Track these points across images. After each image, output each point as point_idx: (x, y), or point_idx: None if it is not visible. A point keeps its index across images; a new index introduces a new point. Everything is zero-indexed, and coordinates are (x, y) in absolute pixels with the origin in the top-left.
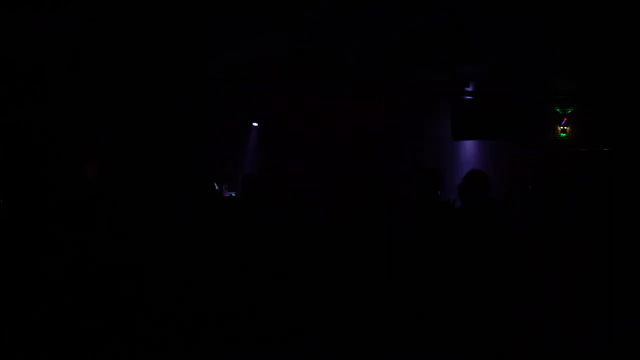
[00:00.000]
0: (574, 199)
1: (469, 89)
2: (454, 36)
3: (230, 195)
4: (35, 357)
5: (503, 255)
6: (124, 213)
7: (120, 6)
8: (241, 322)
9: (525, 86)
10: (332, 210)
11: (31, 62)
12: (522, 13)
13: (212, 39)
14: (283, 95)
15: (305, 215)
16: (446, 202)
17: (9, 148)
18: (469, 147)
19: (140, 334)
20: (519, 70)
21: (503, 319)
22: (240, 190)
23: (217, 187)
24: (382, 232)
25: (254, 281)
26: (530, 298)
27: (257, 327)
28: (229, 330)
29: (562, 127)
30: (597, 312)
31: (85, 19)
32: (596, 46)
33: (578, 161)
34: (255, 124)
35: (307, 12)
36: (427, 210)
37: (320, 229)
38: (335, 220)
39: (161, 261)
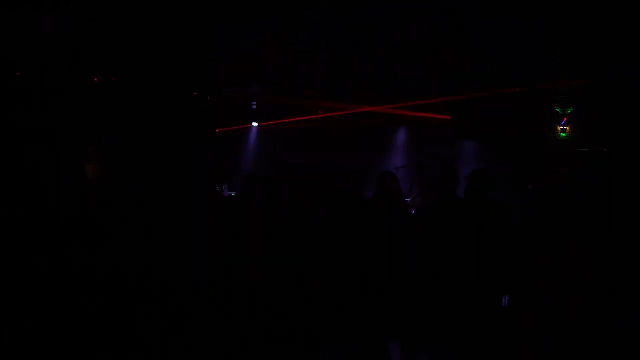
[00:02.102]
0: (574, 199)
1: (469, 89)
2: (454, 36)
3: (231, 195)
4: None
5: (503, 253)
6: (124, 212)
7: (120, 6)
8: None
9: (526, 86)
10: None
11: (31, 62)
12: (522, 13)
13: (212, 39)
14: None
15: (305, 215)
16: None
17: (9, 148)
18: (468, 146)
19: (142, 339)
20: (519, 70)
21: (503, 317)
22: (241, 190)
23: (217, 188)
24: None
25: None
26: (531, 297)
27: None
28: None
29: (562, 127)
30: (597, 312)
31: (85, 19)
32: (596, 46)
33: (578, 161)
34: (255, 124)
35: (307, 12)
36: (428, 207)
37: (320, 228)
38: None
39: (166, 261)
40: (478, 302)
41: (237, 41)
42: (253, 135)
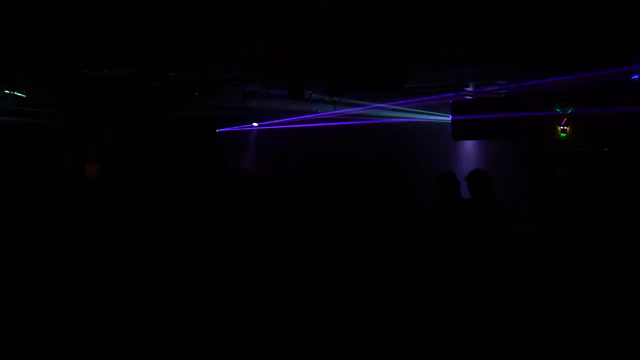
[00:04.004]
0: (574, 199)
1: (469, 89)
2: (454, 36)
3: None
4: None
5: (504, 253)
6: (124, 212)
7: (120, 6)
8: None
9: (525, 86)
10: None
11: (31, 62)
12: (522, 13)
13: (213, 39)
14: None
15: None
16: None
17: (9, 148)
18: (469, 147)
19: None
20: (519, 70)
21: (503, 317)
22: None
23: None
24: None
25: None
26: (531, 297)
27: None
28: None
29: (562, 127)
30: (597, 312)
31: (85, 19)
32: (596, 45)
33: (578, 161)
34: (255, 124)
35: (306, 13)
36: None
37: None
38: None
39: (165, 259)
40: (480, 302)
41: (237, 41)
42: (253, 135)
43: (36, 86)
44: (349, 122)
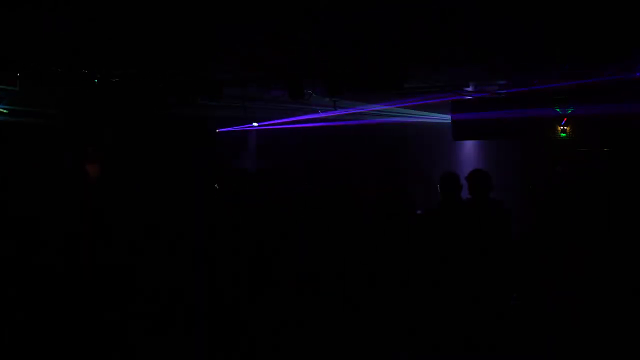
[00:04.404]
0: (574, 199)
1: (469, 89)
2: (454, 36)
3: None
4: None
5: (504, 253)
6: (124, 212)
7: (121, 6)
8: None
9: (525, 86)
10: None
11: (31, 62)
12: (522, 13)
13: (213, 39)
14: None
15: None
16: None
17: (9, 148)
18: (469, 147)
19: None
20: (519, 70)
21: (503, 317)
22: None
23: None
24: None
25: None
26: (532, 297)
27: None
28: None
29: (562, 127)
30: (597, 312)
31: (85, 19)
32: (596, 45)
33: (578, 161)
34: (255, 124)
35: (306, 13)
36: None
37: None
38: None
39: (165, 259)
40: (484, 303)
41: (237, 41)
42: (253, 135)
43: (36, 86)
44: (349, 122)
